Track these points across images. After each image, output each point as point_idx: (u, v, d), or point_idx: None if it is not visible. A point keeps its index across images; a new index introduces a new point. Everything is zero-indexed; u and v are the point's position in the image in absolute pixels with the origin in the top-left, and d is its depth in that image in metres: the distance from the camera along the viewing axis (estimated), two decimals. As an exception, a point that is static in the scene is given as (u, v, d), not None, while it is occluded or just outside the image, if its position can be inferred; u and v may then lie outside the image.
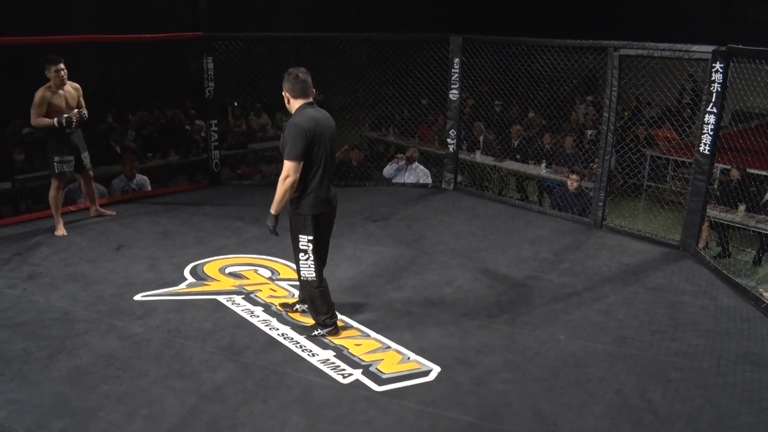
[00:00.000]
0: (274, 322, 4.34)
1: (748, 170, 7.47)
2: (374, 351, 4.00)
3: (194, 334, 4.17)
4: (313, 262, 3.97)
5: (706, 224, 6.35)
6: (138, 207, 6.72)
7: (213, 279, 5.01)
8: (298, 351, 3.98)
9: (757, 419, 3.43)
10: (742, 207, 7.05)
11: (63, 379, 3.64)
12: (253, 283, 4.94)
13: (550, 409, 3.47)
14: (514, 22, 12.86)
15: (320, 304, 4.09)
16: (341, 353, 3.96)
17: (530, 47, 7.02)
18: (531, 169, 8.95)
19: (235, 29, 8.86)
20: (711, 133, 5.34)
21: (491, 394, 3.60)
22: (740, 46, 5.02)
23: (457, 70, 7.23)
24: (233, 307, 4.54)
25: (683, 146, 8.41)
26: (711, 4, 15.46)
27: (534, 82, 9.03)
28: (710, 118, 5.31)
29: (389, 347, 4.05)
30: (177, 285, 4.89)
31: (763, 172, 7.92)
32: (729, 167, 7.65)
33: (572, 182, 6.97)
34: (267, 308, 4.53)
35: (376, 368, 3.81)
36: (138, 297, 4.66)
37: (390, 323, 4.35)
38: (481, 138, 9.64)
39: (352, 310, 4.50)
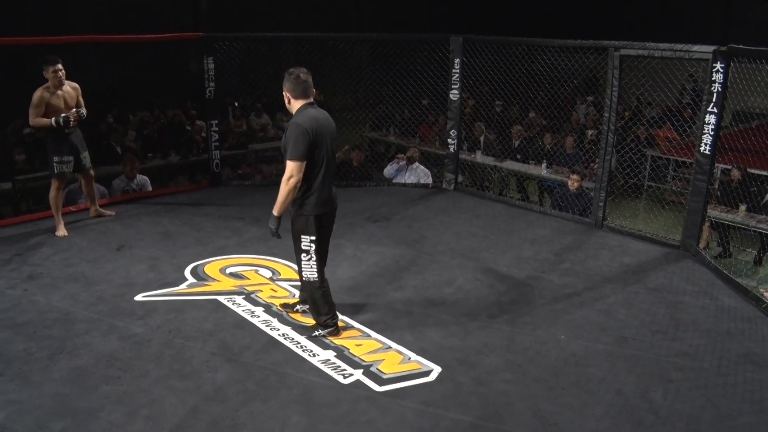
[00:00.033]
0: (275, 322, 4.34)
1: (748, 170, 7.47)
2: (375, 351, 4.00)
3: (195, 334, 4.17)
4: (315, 263, 3.97)
5: (707, 224, 6.35)
6: (138, 207, 6.73)
7: (214, 279, 5.01)
8: (299, 351, 3.98)
9: (758, 419, 3.43)
10: (742, 207, 7.05)
11: (64, 380, 3.64)
12: (253, 284, 4.94)
13: (550, 410, 3.47)
14: (514, 22, 12.87)
15: (321, 305, 4.09)
16: (342, 353, 3.96)
17: (531, 47, 7.02)
18: (532, 169, 8.95)
19: (235, 29, 8.87)
20: (712, 133, 5.34)
21: (492, 395, 3.60)
22: (741, 46, 5.02)
23: (458, 71, 7.23)
24: (234, 308, 4.54)
25: (684, 146, 8.41)
26: (711, 4, 15.46)
27: (535, 83, 9.03)
28: (711, 118, 5.31)
29: (390, 347, 4.05)
30: (178, 285, 4.89)
31: (764, 172, 7.91)
32: (730, 167, 7.64)
33: (573, 182, 6.97)
34: (268, 308, 4.53)
35: (377, 368, 3.81)
36: (139, 297, 4.67)
37: (391, 323, 4.35)
38: (482, 138, 9.64)
39: (352, 311, 4.50)
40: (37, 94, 5.50)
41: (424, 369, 3.82)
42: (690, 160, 6.80)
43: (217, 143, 7.56)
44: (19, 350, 3.92)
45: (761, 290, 5.03)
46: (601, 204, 6.33)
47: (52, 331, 4.15)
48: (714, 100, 5.26)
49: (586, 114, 11.76)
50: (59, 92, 5.60)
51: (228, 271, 5.16)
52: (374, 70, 8.59)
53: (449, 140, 7.64)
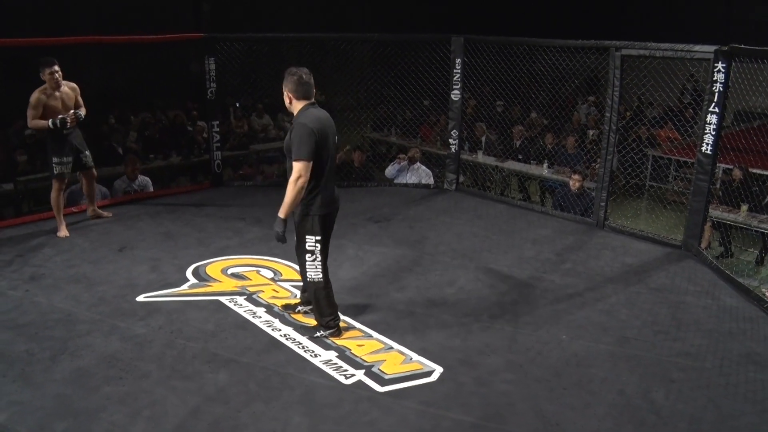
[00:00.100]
0: (277, 323, 4.34)
1: (750, 170, 7.46)
2: (377, 352, 4.00)
3: (197, 335, 4.17)
4: (320, 263, 3.97)
5: (709, 224, 6.35)
6: (140, 208, 6.73)
7: (215, 280, 5.01)
8: (301, 352, 3.98)
9: (760, 419, 3.42)
10: (744, 207, 7.04)
11: (65, 381, 3.64)
12: (255, 284, 4.94)
13: (552, 410, 3.47)
14: (515, 22, 12.86)
15: (325, 306, 4.09)
16: (344, 354, 3.96)
17: (532, 47, 7.02)
18: (533, 169, 8.95)
19: (236, 30, 8.86)
20: (713, 133, 5.33)
21: (493, 395, 3.60)
22: (742, 45, 5.01)
23: (459, 71, 7.22)
24: (235, 308, 4.54)
25: (685, 146, 8.41)
26: (713, 4, 15.44)
27: (536, 83, 9.03)
28: (712, 118, 5.31)
29: (392, 348, 4.05)
30: (179, 286, 4.89)
31: (766, 172, 7.89)
32: (731, 167, 7.64)
33: (574, 182, 6.97)
34: (269, 309, 4.53)
35: (379, 369, 3.81)
36: (140, 298, 4.67)
37: (392, 324, 4.35)
38: (483, 138, 9.64)
39: (354, 311, 4.50)
40: (35, 96, 5.51)
41: (426, 369, 3.82)
42: (691, 160, 6.80)
43: (219, 144, 7.56)
44: (21, 351, 3.93)
45: (763, 290, 5.03)
46: (602, 204, 6.32)
47: (54, 332, 4.16)
48: (715, 99, 5.26)
49: (587, 114, 11.76)
50: (57, 93, 5.60)
51: (229, 271, 5.17)
52: (375, 71, 8.59)
53: (450, 140, 7.64)
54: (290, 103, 3.89)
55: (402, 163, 8.20)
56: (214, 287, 4.89)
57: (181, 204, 6.93)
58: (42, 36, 6.42)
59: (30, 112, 5.52)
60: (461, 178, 7.98)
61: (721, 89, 5.21)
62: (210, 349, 4.00)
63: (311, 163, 3.73)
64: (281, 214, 3.80)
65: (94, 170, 6.12)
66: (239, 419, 3.34)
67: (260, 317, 4.41)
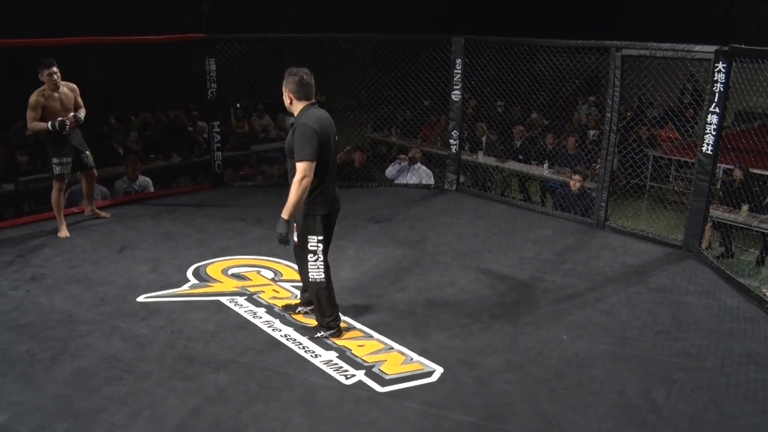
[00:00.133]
0: (277, 323, 4.34)
1: (750, 170, 7.46)
2: (377, 352, 4.00)
3: (197, 335, 4.17)
4: (322, 263, 3.97)
5: (709, 224, 6.34)
6: (140, 208, 6.73)
7: (216, 280, 5.01)
8: (301, 352, 3.98)
9: (761, 419, 3.42)
10: (745, 207, 7.04)
11: (66, 381, 3.64)
12: (255, 285, 4.94)
13: (553, 410, 3.47)
14: (516, 22, 12.86)
15: (326, 306, 4.09)
16: (344, 354, 3.96)
17: (532, 48, 7.02)
18: (533, 169, 8.95)
19: (237, 30, 8.88)
20: (714, 133, 5.33)
21: (494, 395, 3.60)
22: (743, 45, 5.01)
23: (459, 71, 7.23)
24: (236, 309, 4.54)
25: (686, 146, 8.41)
26: (713, 4, 15.44)
27: (536, 83, 9.04)
28: (713, 118, 5.31)
29: (392, 348, 4.05)
30: (180, 286, 4.89)
31: (766, 172, 7.90)
32: (732, 167, 7.64)
33: (575, 183, 6.97)
34: (270, 309, 4.53)
35: (379, 369, 3.81)
36: (141, 298, 4.67)
37: (393, 324, 4.35)
38: (484, 139, 9.64)
39: (354, 311, 4.50)
40: (33, 97, 5.51)
41: (427, 370, 3.82)
42: (692, 160, 6.80)
43: (219, 144, 7.57)
44: (22, 351, 3.93)
45: (764, 290, 5.03)
46: (603, 204, 6.32)
47: (54, 333, 4.16)
48: (716, 100, 5.26)
49: (587, 114, 11.76)
50: (55, 94, 5.60)
51: (230, 272, 5.17)
52: (376, 71, 8.60)
53: (451, 141, 7.64)
54: (291, 103, 3.89)
55: (402, 164, 8.20)
56: (215, 288, 4.89)
57: (182, 204, 6.94)
58: (42, 36, 6.42)
59: (29, 114, 5.52)
60: (462, 179, 7.98)
61: (722, 89, 5.21)
62: (210, 350, 4.00)
63: (314, 163, 3.73)
64: (284, 215, 3.76)
65: (94, 170, 6.13)
66: (240, 419, 3.34)
67: (261, 317, 4.41)
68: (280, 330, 4.24)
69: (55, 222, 5.91)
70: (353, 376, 3.74)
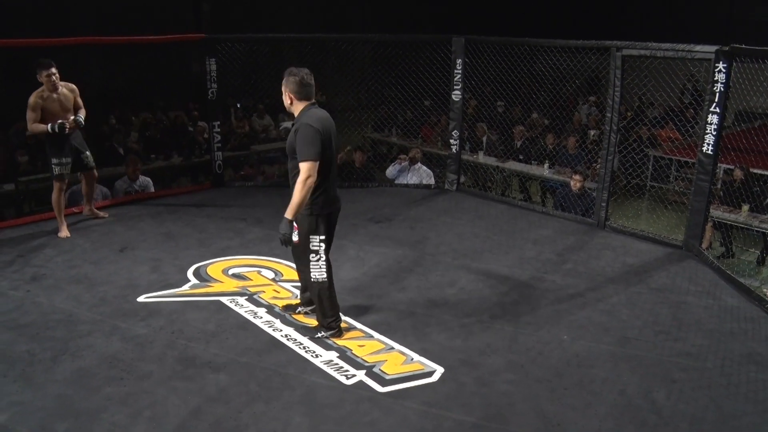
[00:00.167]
0: (278, 323, 4.34)
1: (751, 170, 7.46)
2: (378, 352, 4.00)
3: (197, 335, 4.17)
4: (324, 263, 3.97)
5: (710, 224, 6.34)
6: (141, 208, 6.73)
7: (216, 280, 5.02)
8: (302, 352, 3.98)
9: (762, 420, 3.42)
10: (745, 207, 7.04)
11: (67, 381, 3.64)
12: (256, 285, 4.94)
13: (553, 410, 3.47)
14: (516, 22, 12.86)
15: (328, 307, 4.08)
16: (345, 354, 3.96)
17: (533, 48, 7.02)
18: (534, 169, 8.95)
19: (237, 30, 8.87)
20: (714, 133, 5.33)
21: (494, 395, 3.60)
22: (743, 45, 5.01)
23: (460, 71, 7.23)
24: (236, 309, 4.54)
25: (686, 146, 8.40)
26: (713, 4, 15.44)
27: (537, 83, 9.03)
28: (713, 118, 5.30)
29: (393, 348, 4.05)
30: (180, 286, 4.89)
31: (767, 172, 7.90)
32: (732, 167, 7.65)
33: (575, 183, 6.97)
34: (270, 309, 4.53)
35: (380, 369, 3.81)
36: (141, 298, 4.67)
37: (393, 324, 4.35)
38: (484, 139, 9.64)
39: (355, 312, 4.50)
40: (32, 99, 5.51)
41: (427, 370, 3.82)
42: (692, 160, 6.81)
43: (220, 144, 7.57)
44: (23, 351, 3.93)
45: (764, 290, 5.02)
46: (603, 204, 6.32)
47: (55, 333, 4.16)
48: (716, 99, 5.26)
49: (588, 114, 11.76)
50: (54, 95, 5.60)
51: (230, 272, 5.17)
52: (376, 71, 8.60)
53: (451, 141, 7.64)
54: (291, 104, 3.89)
55: (403, 164, 8.21)
56: (215, 288, 4.89)
57: (182, 204, 6.94)
58: (42, 36, 6.42)
59: (29, 115, 5.53)
60: (462, 179, 7.98)
61: (722, 89, 5.21)
62: (211, 350, 4.00)
63: (318, 162, 3.73)
64: (288, 215, 3.73)
65: (95, 171, 6.13)
66: (240, 419, 3.34)
67: (261, 318, 4.41)
68: (281, 330, 4.24)
69: (55, 222, 5.91)
70: (354, 376, 3.74)
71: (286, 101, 3.90)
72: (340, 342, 4.09)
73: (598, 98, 11.72)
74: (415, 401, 3.52)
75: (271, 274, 5.14)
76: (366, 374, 3.75)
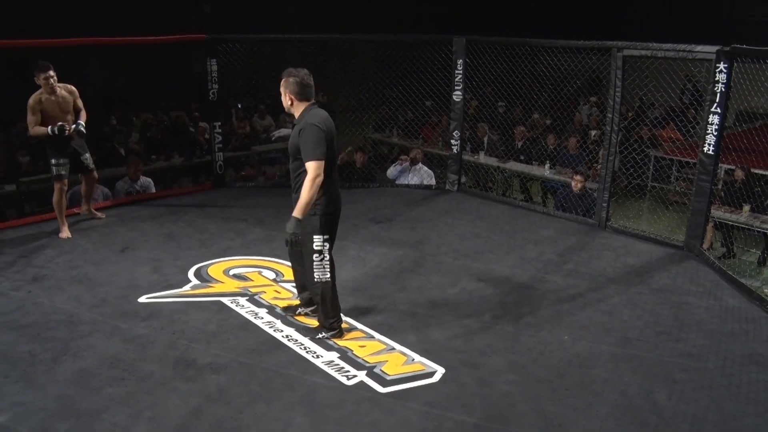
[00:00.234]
0: (279, 323, 4.34)
1: (752, 170, 7.46)
2: (379, 352, 4.00)
3: (198, 335, 4.17)
4: (328, 262, 3.97)
5: (711, 225, 6.34)
6: (142, 209, 6.74)
7: (217, 281, 5.02)
8: (303, 353, 3.98)
9: (763, 420, 3.42)
10: (746, 207, 7.03)
11: (68, 381, 3.65)
12: (257, 285, 4.94)
13: (554, 411, 3.47)
14: (517, 22, 12.86)
15: (330, 307, 4.09)
16: (345, 355, 3.96)
17: (534, 48, 7.02)
18: (535, 170, 8.95)
19: (238, 31, 8.88)
20: (715, 133, 5.33)
21: (496, 396, 3.60)
22: (744, 46, 5.01)
23: (461, 72, 7.23)
24: (237, 309, 4.54)
25: (687, 147, 8.40)
26: (714, 4, 15.43)
27: (538, 83, 9.03)
28: (714, 119, 5.30)
29: (394, 349, 4.05)
30: (181, 287, 4.90)
31: (768, 172, 7.90)
32: (733, 167, 7.64)
33: (576, 183, 6.96)
34: (271, 310, 4.53)
35: (381, 370, 3.81)
36: (142, 299, 4.67)
37: (394, 325, 4.35)
38: (485, 139, 9.64)
39: (356, 312, 4.50)
40: (31, 101, 5.53)
41: (428, 370, 3.82)
42: (693, 161, 6.80)
43: (221, 145, 7.57)
44: (24, 352, 3.93)
45: (765, 291, 5.02)
46: (604, 205, 6.32)
47: (56, 333, 4.16)
48: (717, 100, 5.25)
49: (589, 114, 11.76)
50: (53, 98, 5.61)
51: (231, 272, 5.17)
52: (377, 72, 8.60)
53: (452, 141, 7.64)
54: (292, 105, 3.89)
55: (404, 164, 8.21)
56: (216, 288, 4.89)
57: (183, 205, 6.94)
58: (43, 37, 6.42)
59: (29, 118, 5.55)
60: (463, 179, 7.98)
61: (723, 89, 5.21)
62: (212, 350, 4.00)
63: (324, 162, 3.74)
64: (297, 214, 3.72)
65: (95, 173, 6.14)
66: (241, 420, 3.34)
67: (262, 318, 4.41)
68: (282, 330, 4.24)
69: (56, 222, 5.91)
70: (355, 376, 3.74)
71: (286, 102, 3.90)
72: (341, 342, 4.09)
73: (599, 98, 11.72)
74: (416, 402, 3.52)
75: (272, 275, 5.14)
76: (367, 375, 3.75)
